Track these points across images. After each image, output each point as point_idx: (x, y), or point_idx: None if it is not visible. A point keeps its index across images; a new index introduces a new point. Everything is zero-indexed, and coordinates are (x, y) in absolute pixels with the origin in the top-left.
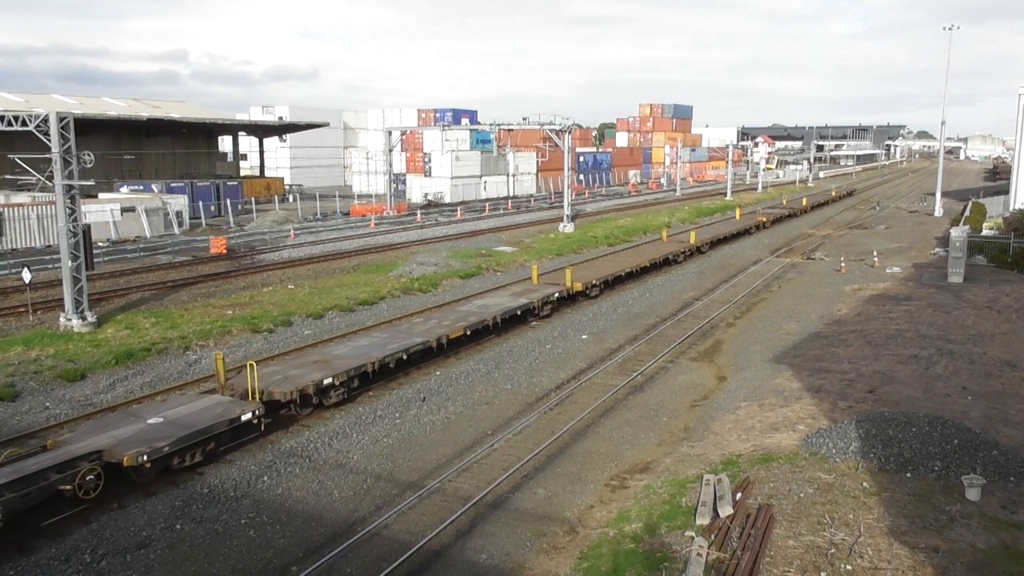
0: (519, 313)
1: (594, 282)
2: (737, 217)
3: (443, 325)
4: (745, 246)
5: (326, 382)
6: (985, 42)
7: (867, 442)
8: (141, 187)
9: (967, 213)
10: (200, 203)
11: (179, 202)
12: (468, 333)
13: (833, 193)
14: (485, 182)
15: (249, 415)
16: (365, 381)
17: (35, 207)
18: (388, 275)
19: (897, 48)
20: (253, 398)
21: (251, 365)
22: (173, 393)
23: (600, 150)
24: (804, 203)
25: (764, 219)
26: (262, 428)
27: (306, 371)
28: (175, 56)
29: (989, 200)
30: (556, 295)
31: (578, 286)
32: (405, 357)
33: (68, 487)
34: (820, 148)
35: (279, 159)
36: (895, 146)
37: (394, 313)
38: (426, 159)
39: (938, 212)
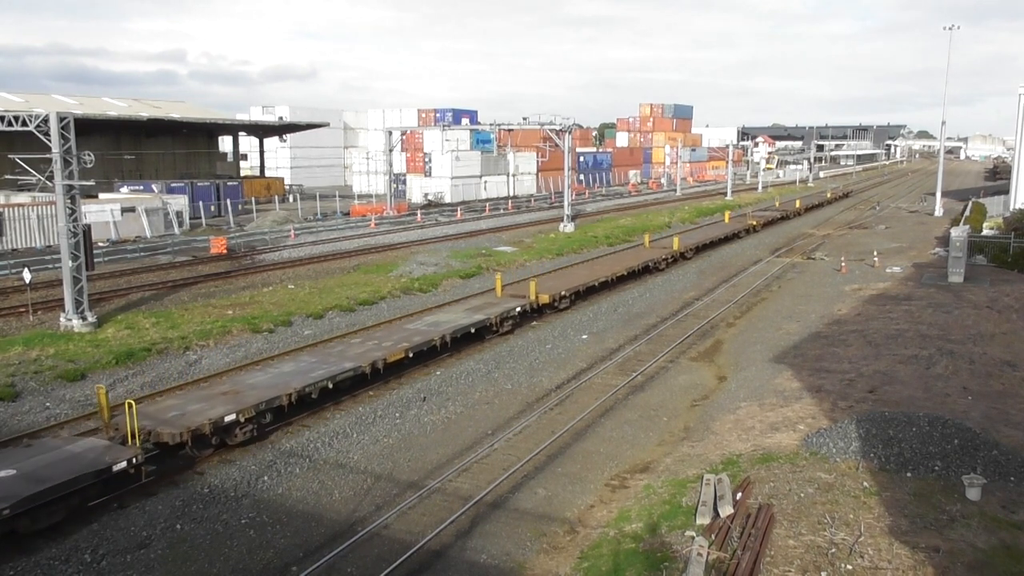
0: (473, 331)
1: (563, 293)
2: (726, 220)
3: (383, 347)
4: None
5: (228, 419)
6: (985, 42)
7: (867, 442)
8: (141, 187)
9: (967, 213)
10: (200, 203)
11: (179, 202)
12: (411, 355)
13: (828, 195)
14: (485, 182)
15: (124, 464)
16: (280, 415)
17: (35, 207)
18: (388, 275)
19: (897, 48)
20: (133, 442)
21: (129, 404)
22: (47, 434)
23: (600, 150)
24: (797, 205)
25: (754, 223)
26: (143, 479)
27: (209, 405)
28: (173, 56)
29: (989, 200)
30: (518, 310)
31: (544, 298)
32: (331, 386)
33: None
34: (820, 148)
35: (279, 159)
36: (895, 146)
37: (394, 313)
38: (426, 159)
39: (938, 212)
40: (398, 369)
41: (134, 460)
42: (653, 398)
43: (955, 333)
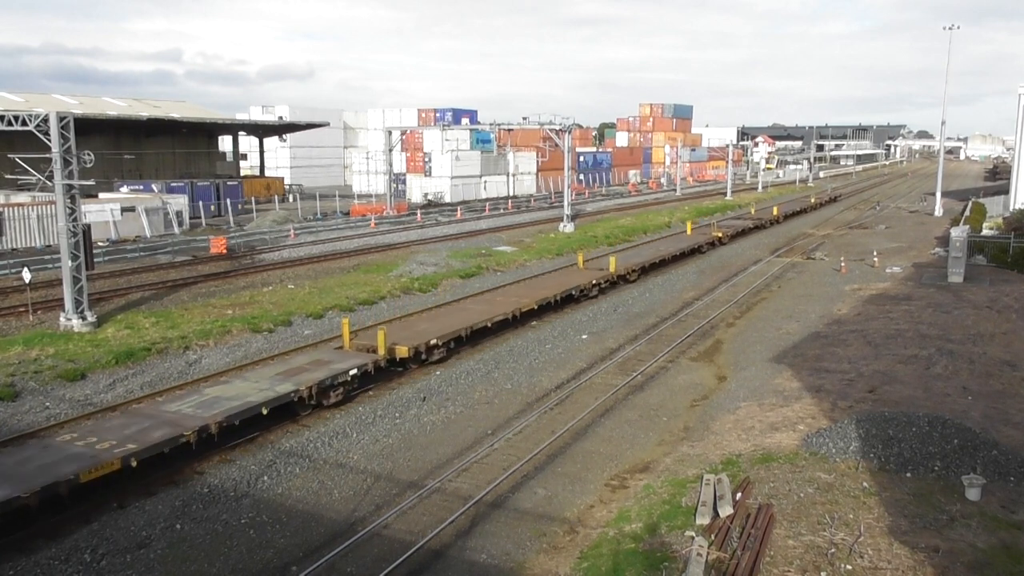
0: (265, 412)
1: (434, 342)
2: (688, 232)
3: (96, 451)
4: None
5: None
6: (985, 42)
7: (867, 442)
8: (141, 187)
9: (967, 213)
10: (200, 203)
11: (179, 202)
12: (133, 464)
13: (812, 200)
14: (485, 182)
15: None
16: None
17: (35, 207)
18: (388, 275)
19: (897, 48)
20: None
21: None
22: None
23: (600, 150)
24: (775, 212)
25: (720, 235)
26: None
27: None
28: (170, 56)
29: (989, 200)
30: (353, 372)
31: (403, 351)
32: None
33: None
34: (820, 148)
35: (279, 159)
36: (895, 146)
37: (393, 313)
38: (426, 159)
39: (938, 212)
40: (117, 483)
41: None
42: (653, 398)
43: (955, 333)
